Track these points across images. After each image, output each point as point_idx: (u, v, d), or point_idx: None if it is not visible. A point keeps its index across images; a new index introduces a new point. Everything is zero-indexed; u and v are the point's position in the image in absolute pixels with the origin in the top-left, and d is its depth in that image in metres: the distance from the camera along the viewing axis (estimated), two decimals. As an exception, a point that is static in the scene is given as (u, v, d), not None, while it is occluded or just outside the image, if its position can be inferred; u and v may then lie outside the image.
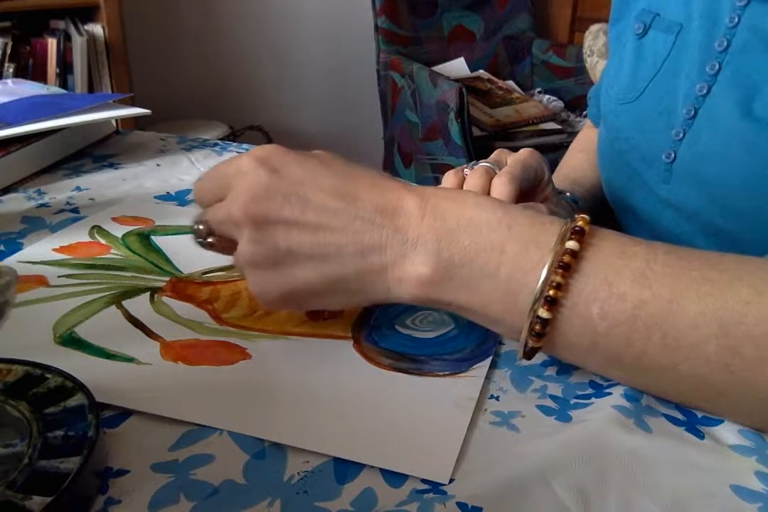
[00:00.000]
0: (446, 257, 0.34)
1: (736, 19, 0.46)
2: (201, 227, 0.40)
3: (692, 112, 0.49)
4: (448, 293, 0.35)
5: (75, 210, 0.60)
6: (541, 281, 0.33)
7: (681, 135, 0.51)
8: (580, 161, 0.71)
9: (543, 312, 0.33)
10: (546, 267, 0.33)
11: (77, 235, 0.54)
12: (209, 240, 0.40)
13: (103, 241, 0.54)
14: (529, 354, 0.36)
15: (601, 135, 0.63)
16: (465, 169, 0.50)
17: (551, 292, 0.33)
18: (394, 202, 0.36)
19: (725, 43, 0.47)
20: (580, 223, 0.34)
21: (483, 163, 0.49)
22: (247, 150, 0.39)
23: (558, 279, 0.32)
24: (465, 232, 0.34)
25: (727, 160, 0.47)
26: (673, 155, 0.51)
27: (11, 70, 1.84)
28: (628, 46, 0.58)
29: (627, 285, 0.33)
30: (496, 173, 0.47)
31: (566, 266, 0.33)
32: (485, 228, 0.34)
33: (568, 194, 0.61)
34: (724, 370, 0.32)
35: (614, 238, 0.35)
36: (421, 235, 0.35)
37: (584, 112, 1.82)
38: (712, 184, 0.48)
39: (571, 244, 0.33)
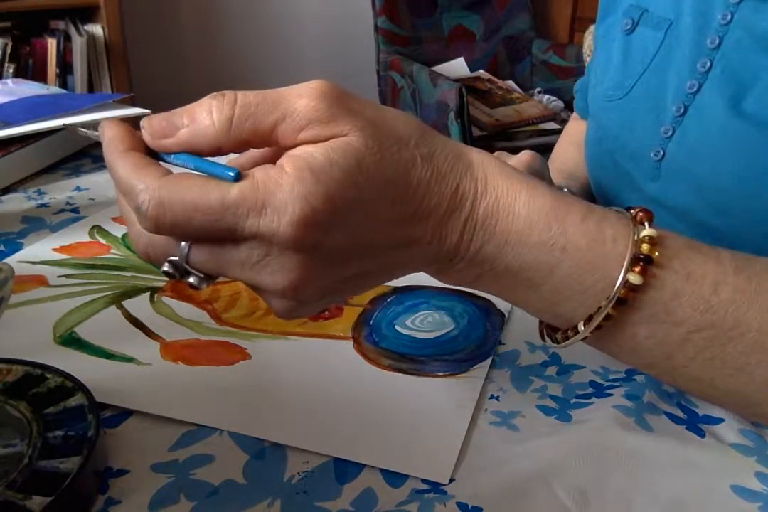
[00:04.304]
0: (488, 274, 0.32)
1: (729, 17, 0.46)
2: (170, 270, 0.27)
3: (682, 110, 0.49)
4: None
5: (75, 210, 0.60)
6: (592, 311, 0.30)
7: (670, 132, 0.50)
8: (572, 154, 0.70)
9: (585, 332, 0.31)
10: (602, 300, 0.30)
11: (77, 235, 0.54)
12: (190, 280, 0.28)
13: (103, 241, 0.54)
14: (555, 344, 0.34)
15: (589, 133, 0.63)
16: None
17: (599, 320, 0.30)
18: (446, 217, 0.30)
19: (717, 41, 0.47)
20: (645, 249, 0.29)
21: None
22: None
23: (610, 311, 0.30)
24: (512, 251, 0.30)
25: (717, 157, 0.47)
26: (661, 153, 0.51)
27: (11, 70, 1.84)
28: (615, 42, 0.58)
29: (686, 314, 0.30)
30: None
31: (623, 301, 0.29)
32: (535, 249, 0.30)
33: (565, 189, 0.61)
34: (767, 389, 0.31)
35: (682, 256, 0.31)
36: (470, 261, 0.31)
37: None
38: (701, 182, 0.48)
39: (633, 279, 0.29)
